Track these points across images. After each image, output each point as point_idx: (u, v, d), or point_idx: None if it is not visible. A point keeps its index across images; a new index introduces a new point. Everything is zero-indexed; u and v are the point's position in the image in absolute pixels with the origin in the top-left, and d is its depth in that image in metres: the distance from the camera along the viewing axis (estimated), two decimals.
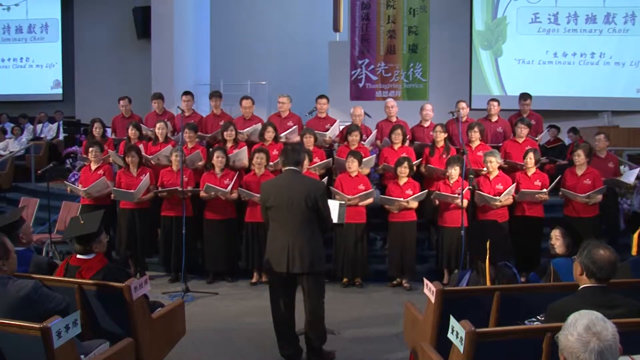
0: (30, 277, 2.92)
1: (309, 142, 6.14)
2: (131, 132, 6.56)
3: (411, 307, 3.56)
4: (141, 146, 6.46)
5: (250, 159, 6.09)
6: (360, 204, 5.82)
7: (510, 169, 6.19)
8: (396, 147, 6.31)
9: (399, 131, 6.28)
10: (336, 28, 11.19)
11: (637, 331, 2.22)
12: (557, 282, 3.36)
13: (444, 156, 6.19)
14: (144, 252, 6.24)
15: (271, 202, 3.85)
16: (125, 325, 3.06)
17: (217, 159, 5.94)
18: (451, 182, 5.78)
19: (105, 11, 12.75)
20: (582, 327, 1.67)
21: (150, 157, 6.39)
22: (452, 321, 2.44)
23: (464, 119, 6.48)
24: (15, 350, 2.44)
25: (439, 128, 6.27)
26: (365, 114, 7.19)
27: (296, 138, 6.44)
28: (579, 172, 5.89)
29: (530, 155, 5.83)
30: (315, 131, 6.40)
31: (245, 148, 6.26)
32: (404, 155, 6.03)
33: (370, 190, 5.92)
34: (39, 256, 3.67)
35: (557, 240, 3.64)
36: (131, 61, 12.37)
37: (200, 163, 6.24)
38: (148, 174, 6.03)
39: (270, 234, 3.93)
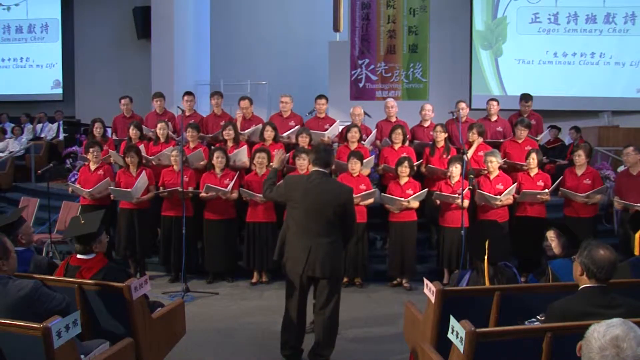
0: (30, 277, 2.92)
1: (304, 141, 6.12)
2: (132, 132, 6.55)
3: (411, 307, 3.56)
4: (142, 146, 6.46)
5: (252, 159, 6.09)
6: (361, 203, 5.82)
7: (510, 169, 6.19)
8: (396, 147, 6.31)
9: (399, 131, 6.28)
10: (336, 28, 11.20)
11: None
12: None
13: (444, 156, 6.19)
14: (144, 252, 6.24)
15: (295, 203, 3.77)
16: (125, 325, 3.06)
17: (217, 160, 5.94)
18: (453, 182, 5.78)
19: (105, 11, 12.76)
20: (611, 335, 1.65)
21: (151, 157, 6.40)
22: (452, 321, 2.44)
23: (464, 119, 6.48)
24: (15, 350, 2.44)
25: (439, 128, 6.27)
26: (365, 113, 7.19)
27: None
28: (579, 172, 5.89)
29: (533, 156, 5.83)
30: (313, 131, 6.40)
31: (245, 148, 6.26)
32: (405, 155, 6.03)
33: (373, 190, 5.92)
34: (39, 256, 3.66)
35: (552, 241, 3.62)
36: (131, 61, 12.38)
37: (202, 163, 6.24)
38: (144, 172, 6.01)
39: (290, 234, 3.85)
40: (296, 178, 4.09)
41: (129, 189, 5.87)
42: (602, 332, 1.66)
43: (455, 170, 5.71)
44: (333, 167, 6.39)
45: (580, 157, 5.87)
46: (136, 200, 5.93)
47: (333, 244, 3.76)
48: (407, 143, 6.52)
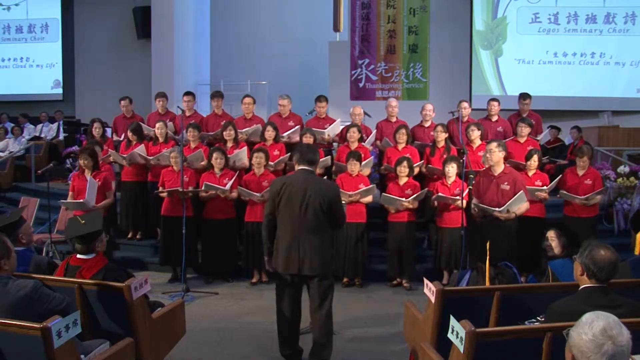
0: (30, 277, 2.92)
1: (308, 141, 6.13)
2: (130, 135, 6.55)
3: (411, 307, 3.56)
4: (142, 146, 6.46)
5: (250, 159, 6.09)
6: (361, 200, 5.82)
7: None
8: (400, 147, 6.30)
9: (403, 131, 6.28)
10: (336, 28, 11.19)
11: (637, 331, 2.22)
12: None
13: (445, 156, 6.18)
14: None
15: (283, 201, 3.78)
16: (125, 325, 3.06)
17: (216, 160, 5.94)
18: (449, 182, 5.77)
19: (105, 11, 12.75)
20: (598, 328, 1.66)
21: (150, 157, 6.40)
22: (452, 321, 2.44)
23: (465, 119, 6.47)
24: (15, 350, 2.44)
25: (439, 128, 6.26)
26: (365, 113, 7.19)
27: (298, 138, 6.44)
28: (580, 172, 5.89)
29: (535, 157, 5.81)
30: (315, 129, 6.40)
31: (245, 148, 6.26)
32: (405, 154, 6.03)
33: (371, 186, 5.91)
34: (39, 256, 3.67)
35: (552, 241, 3.63)
36: (131, 61, 12.37)
37: (202, 163, 6.23)
38: (90, 178, 5.62)
39: (278, 232, 3.85)
40: (283, 178, 4.12)
41: (81, 200, 5.54)
42: (588, 332, 1.67)
43: (451, 170, 5.70)
44: (333, 169, 6.44)
45: (585, 162, 5.85)
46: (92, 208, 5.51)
47: (322, 241, 3.77)
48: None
